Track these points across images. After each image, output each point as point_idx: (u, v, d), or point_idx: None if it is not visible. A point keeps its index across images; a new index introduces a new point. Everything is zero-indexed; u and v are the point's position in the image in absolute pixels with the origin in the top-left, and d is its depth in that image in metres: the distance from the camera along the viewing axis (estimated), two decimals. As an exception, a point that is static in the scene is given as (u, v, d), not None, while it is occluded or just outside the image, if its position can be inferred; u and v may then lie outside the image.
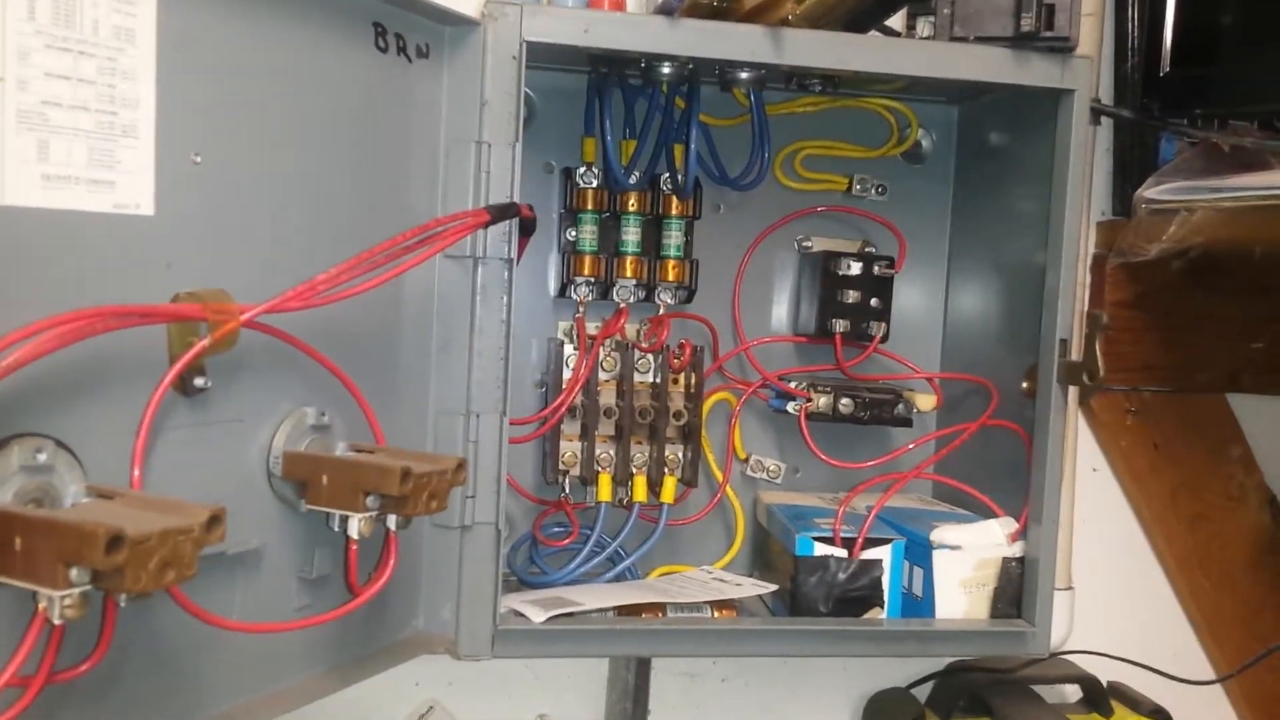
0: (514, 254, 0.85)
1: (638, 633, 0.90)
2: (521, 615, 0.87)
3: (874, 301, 1.06)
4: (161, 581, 0.52)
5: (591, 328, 1.01)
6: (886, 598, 0.96)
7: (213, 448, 0.68)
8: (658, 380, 1.00)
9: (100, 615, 0.58)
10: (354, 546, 0.71)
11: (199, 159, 0.66)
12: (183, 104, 0.64)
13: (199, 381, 0.65)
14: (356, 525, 0.70)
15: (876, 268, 1.06)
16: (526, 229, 0.86)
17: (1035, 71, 0.91)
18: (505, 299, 0.85)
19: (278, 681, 0.74)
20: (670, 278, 1.01)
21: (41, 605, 0.53)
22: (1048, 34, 0.89)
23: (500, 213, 0.81)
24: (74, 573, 0.52)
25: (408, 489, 0.68)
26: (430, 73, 0.83)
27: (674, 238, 1.01)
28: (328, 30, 0.74)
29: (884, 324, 1.06)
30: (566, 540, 1.02)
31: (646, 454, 1.00)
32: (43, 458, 0.57)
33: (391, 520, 0.71)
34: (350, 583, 0.72)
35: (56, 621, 0.53)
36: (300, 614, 0.74)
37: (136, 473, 0.60)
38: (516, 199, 0.83)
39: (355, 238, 0.72)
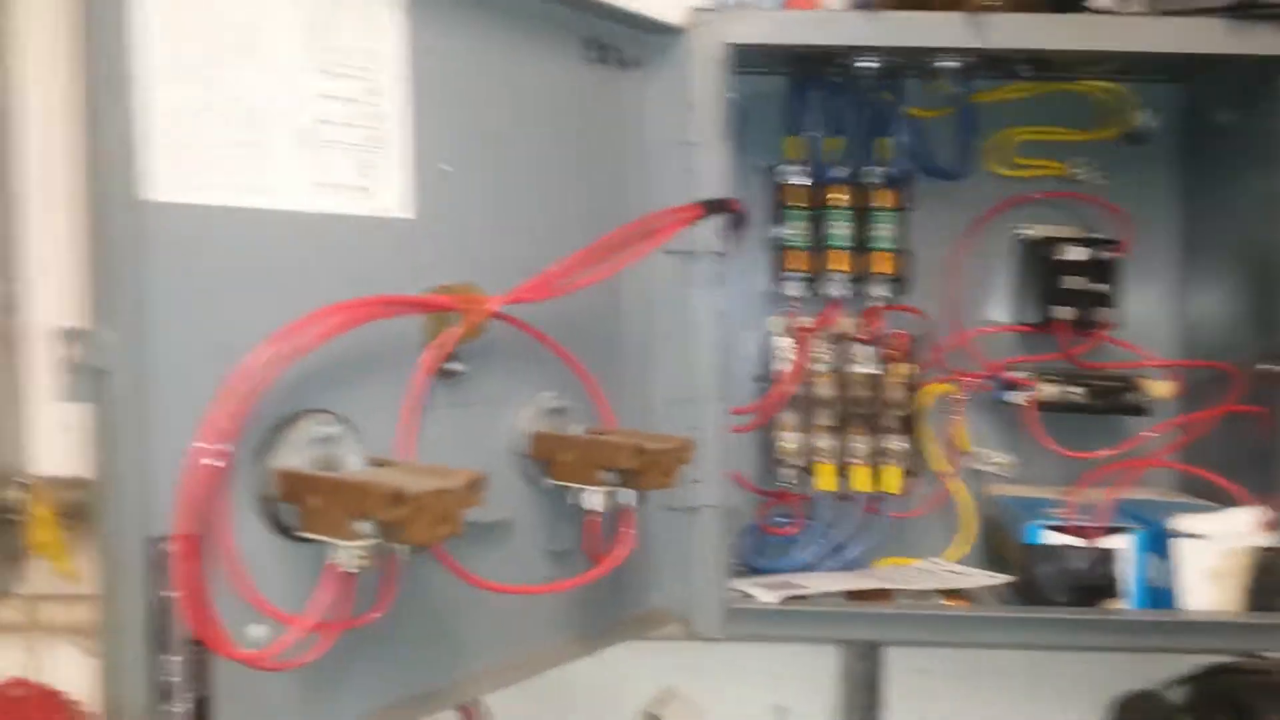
0: (726, 247, 0.89)
1: (868, 616, 0.91)
2: (751, 597, 0.90)
3: (1100, 287, 1.04)
4: (435, 534, 0.59)
5: (804, 321, 1.04)
6: (1127, 589, 0.93)
7: (466, 427, 0.75)
8: (875, 371, 1.01)
9: (384, 572, 0.65)
10: (594, 519, 0.77)
11: (447, 167, 0.74)
12: (431, 118, 0.73)
13: (454, 366, 0.72)
14: (594, 498, 0.75)
15: (1101, 252, 1.04)
16: (738, 223, 0.90)
17: (1259, 41, 0.87)
18: (720, 291, 0.89)
19: (528, 645, 0.80)
20: (881, 270, 1.03)
21: (335, 556, 0.61)
22: (1268, 1, 0.85)
23: (713, 207, 0.86)
24: (362, 526, 0.59)
25: (642, 464, 0.73)
26: (639, 80, 0.90)
27: (884, 230, 1.03)
28: (549, 46, 0.82)
29: (1112, 310, 1.04)
30: (790, 530, 1.04)
31: (867, 445, 1.01)
32: (329, 430, 0.65)
33: (626, 495, 0.76)
34: (592, 552, 0.78)
35: (350, 569, 0.60)
36: (546, 583, 0.80)
37: (405, 444, 0.67)
38: (725, 195, 0.88)
39: (579, 235, 0.79)
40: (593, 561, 0.78)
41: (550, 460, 0.78)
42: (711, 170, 0.88)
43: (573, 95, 0.84)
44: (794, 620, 0.90)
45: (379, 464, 0.66)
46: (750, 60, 0.91)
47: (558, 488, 0.79)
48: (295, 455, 0.63)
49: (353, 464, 0.65)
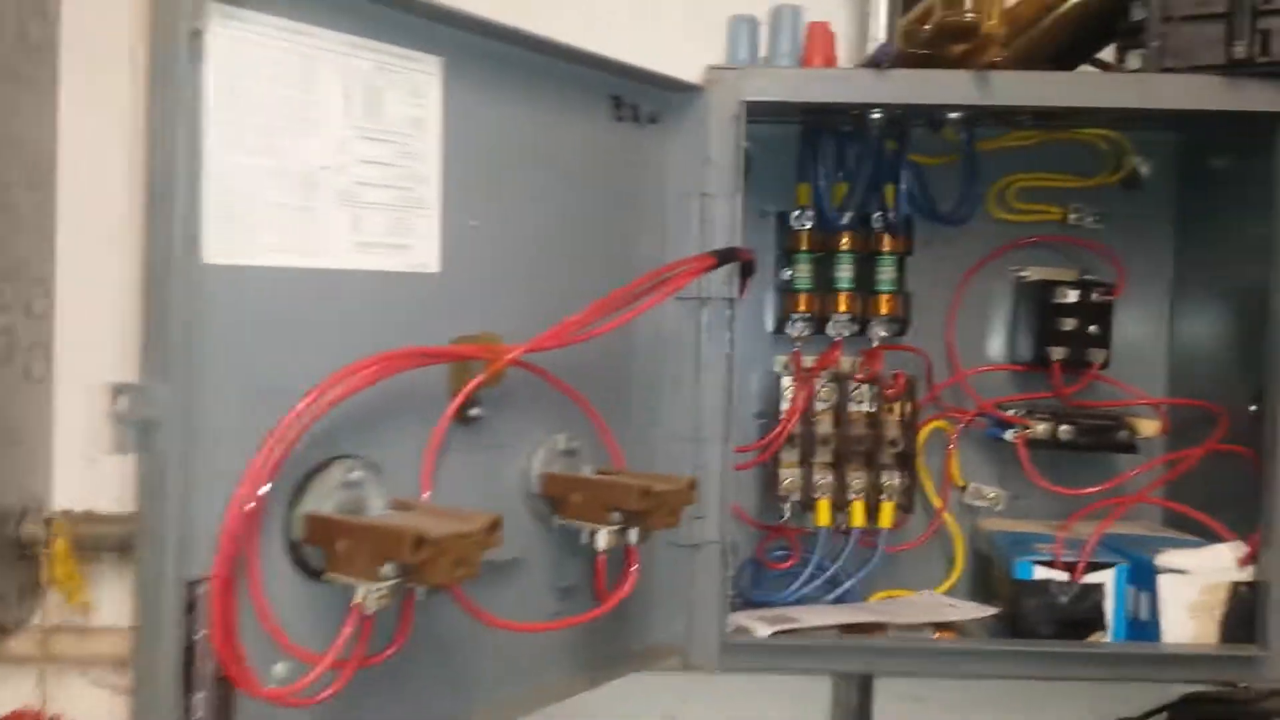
0: (736, 294, 0.92)
1: (861, 649, 0.95)
2: (747, 631, 0.94)
3: (1092, 328, 1.07)
4: (454, 576, 0.62)
5: (807, 361, 1.07)
6: (1110, 622, 0.96)
7: (482, 469, 0.78)
8: (873, 409, 1.05)
9: (399, 610, 0.68)
10: (602, 557, 0.80)
11: (475, 223, 0.77)
12: (460, 178, 0.76)
13: (474, 411, 0.75)
14: (604, 538, 0.79)
15: (1095, 294, 1.07)
16: (747, 271, 0.93)
17: (1251, 97, 0.91)
18: (728, 335, 0.93)
19: (535, 679, 0.83)
20: (883, 311, 1.06)
21: (358, 597, 0.64)
22: (1263, 59, 0.89)
23: (724, 257, 0.89)
24: (386, 568, 0.62)
25: (648, 505, 0.77)
26: (659, 135, 0.93)
27: (886, 273, 1.06)
28: (575, 106, 0.85)
29: (1104, 350, 1.07)
30: (788, 564, 1.08)
31: (864, 480, 1.04)
32: (355, 475, 0.68)
33: (633, 534, 0.79)
34: (599, 589, 0.81)
35: (370, 611, 0.64)
36: (554, 619, 0.83)
37: (427, 489, 0.71)
38: (738, 245, 0.91)
39: (595, 284, 0.82)
40: (599, 598, 0.81)
41: (561, 500, 0.81)
42: (725, 220, 0.92)
43: (597, 151, 0.87)
44: (788, 654, 0.94)
45: (401, 506, 0.69)
46: (763, 111, 0.94)
47: (566, 526, 0.82)
48: (323, 500, 0.67)
49: (376, 507, 0.69)
